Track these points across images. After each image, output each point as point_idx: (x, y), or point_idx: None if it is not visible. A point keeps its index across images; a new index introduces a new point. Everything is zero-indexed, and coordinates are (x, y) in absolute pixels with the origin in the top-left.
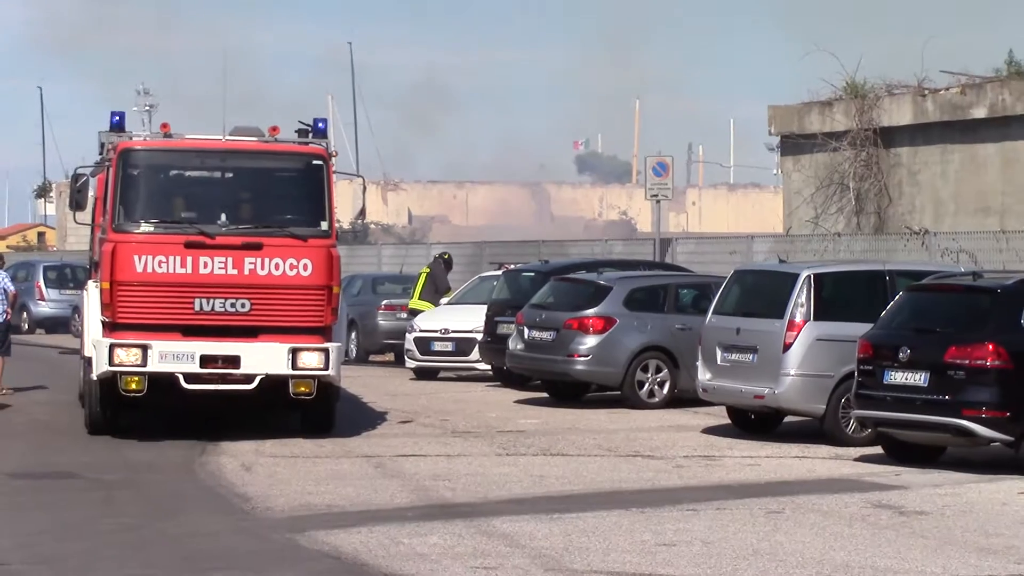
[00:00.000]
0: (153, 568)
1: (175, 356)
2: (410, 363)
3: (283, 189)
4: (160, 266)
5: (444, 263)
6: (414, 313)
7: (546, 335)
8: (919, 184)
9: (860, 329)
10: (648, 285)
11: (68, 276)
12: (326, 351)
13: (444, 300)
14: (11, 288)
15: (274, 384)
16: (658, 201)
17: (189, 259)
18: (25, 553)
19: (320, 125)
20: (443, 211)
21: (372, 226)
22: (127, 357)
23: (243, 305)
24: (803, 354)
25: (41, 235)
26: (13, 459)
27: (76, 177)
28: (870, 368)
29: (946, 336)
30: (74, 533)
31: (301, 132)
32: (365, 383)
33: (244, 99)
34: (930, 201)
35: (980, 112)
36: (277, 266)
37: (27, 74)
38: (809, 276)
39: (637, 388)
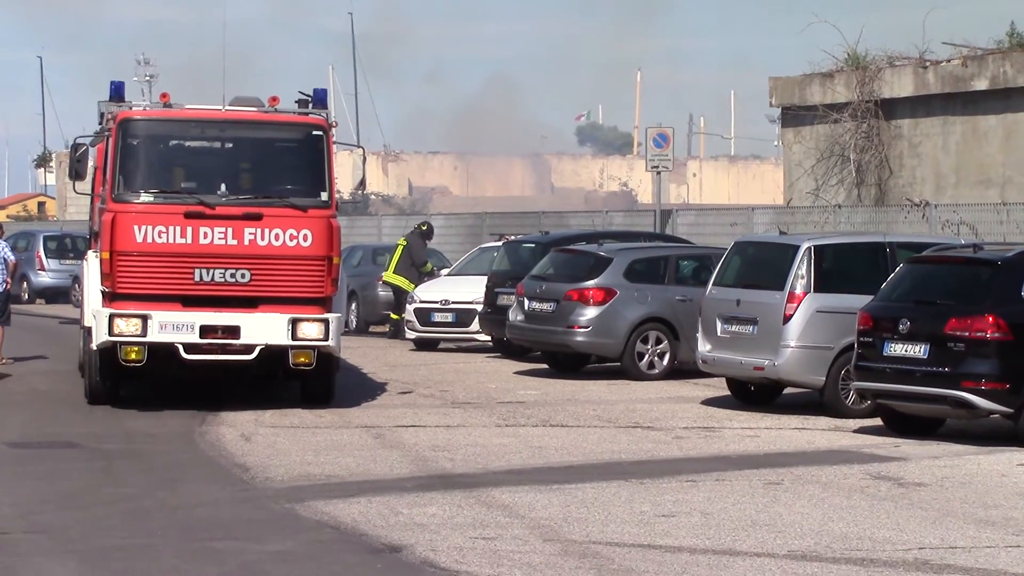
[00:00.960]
0: (153, 537)
1: (175, 326)
2: (410, 334)
3: (283, 159)
4: (160, 236)
5: (421, 234)
6: (388, 286)
7: (546, 306)
8: (920, 156)
9: (860, 301)
10: (648, 256)
11: (68, 246)
12: (326, 322)
13: (444, 271)
14: (11, 258)
15: (274, 354)
16: (659, 172)
17: (189, 229)
18: (25, 522)
19: (320, 95)
20: (443, 182)
21: (372, 197)
22: (127, 327)
23: (243, 275)
24: (803, 326)
25: (41, 205)
26: (13, 428)
27: (76, 147)
28: (870, 340)
29: (946, 308)
30: (74, 502)
31: (301, 102)
32: (365, 354)
33: (244, 70)
34: (931, 173)
35: (981, 84)
36: (277, 236)
37: (27, 44)
38: (809, 248)
39: (637, 359)
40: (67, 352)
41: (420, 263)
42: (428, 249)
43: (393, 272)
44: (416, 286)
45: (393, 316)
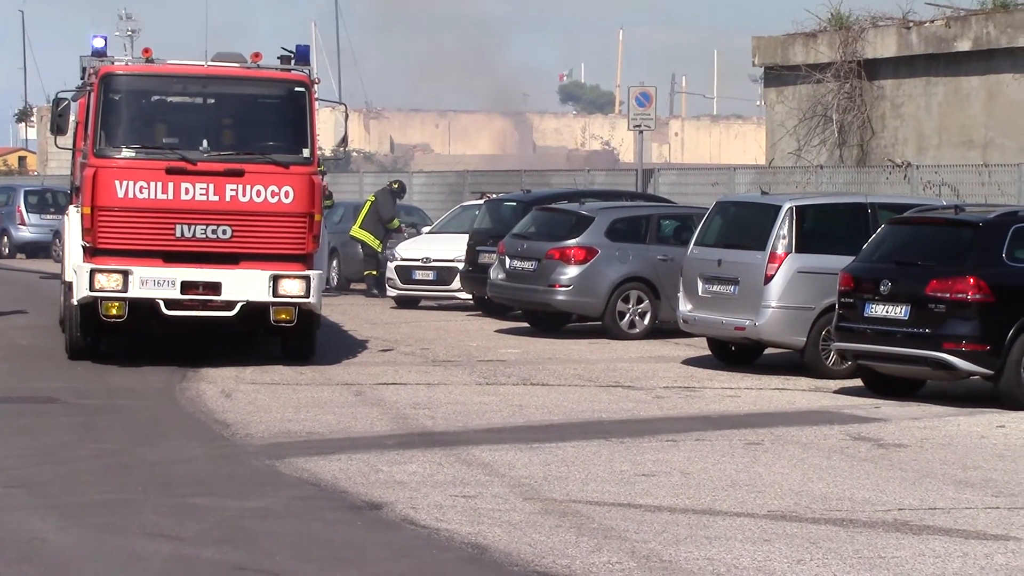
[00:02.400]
0: (132, 493)
1: (156, 282)
2: (391, 291)
3: (265, 116)
4: (141, 192)
5: (391, 193)
6: (355, 241)
7: (527, 265)
8: (902, 117)
9: (841, 262)
10: (630, 216)
11: (49, 201)
12: (307, 278)
13: (426, 229)
14: None
15: (255, 311)
16: (641, 131)
17: (170, 185)
18: (4, 476)
19: (303, 52)
20: (425, 139)
21: (354, 154)
22: (108, 283)
23: (224, 232)
24: (784, 286)
25: (22, 159)
26: None
27: (57, 101)
28: (851, 301)
29: (927, 269)
30: (54, 457)
31: (284, 59)
32: (346, 311)
33: (226, 25)
34: (913, 134)
35: (964, 45)
36: (259, 193)
37: None
38: (791, 208)
39: (618, 319)
40: (47, 307)
41: (388, 219)
42: (410, 206)
43: (359, 227)
44: (381, 242)
45: (365, 272)
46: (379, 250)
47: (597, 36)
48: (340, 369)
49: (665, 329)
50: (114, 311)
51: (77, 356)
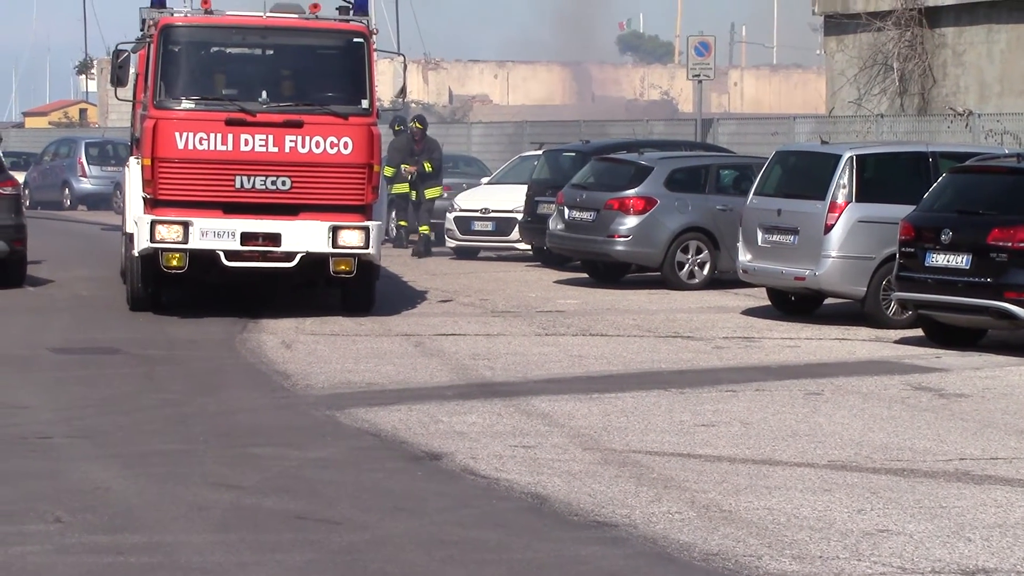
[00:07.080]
0: (194, 443)
1: (216, 233)
2: (450, 242)
3: (324, 67)
4: (201, 143)
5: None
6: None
7: (586, 215)
8: (964, 65)
9: (902, 211)
10: (689, 166)
11: (110, 153)
12: (366, 229)
13: (484, 180)
14: None
15: (314, 262)
16: (700, 81)
17: (230, 136)
18: (67, 427)
19: (361, 2)
20: (484, 90)
21: (413, 105)
22: (168, 234)
23: (284, 183)
24: (844, 236)
25: (83, 111)
26: (56, 334)
27: (117, 53)
28: (912, 250)
29: (989, 218)
30: (116, 408)
31: (342, 9)
32: (405, 262)
33: None
34: (975, 82)
35: None
36: (318, 144)
37: None
38: (851, 157)
39: (677, 269)
40: (109, 259)
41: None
42: (469, 157)
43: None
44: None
45: (402, 223)
46: (413, 197)
47: None
48: (399, 320)
49: (724, 279)
50: (175, 262)
51: (138, 307)
